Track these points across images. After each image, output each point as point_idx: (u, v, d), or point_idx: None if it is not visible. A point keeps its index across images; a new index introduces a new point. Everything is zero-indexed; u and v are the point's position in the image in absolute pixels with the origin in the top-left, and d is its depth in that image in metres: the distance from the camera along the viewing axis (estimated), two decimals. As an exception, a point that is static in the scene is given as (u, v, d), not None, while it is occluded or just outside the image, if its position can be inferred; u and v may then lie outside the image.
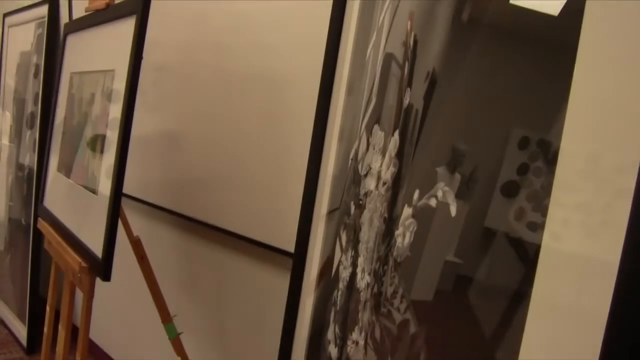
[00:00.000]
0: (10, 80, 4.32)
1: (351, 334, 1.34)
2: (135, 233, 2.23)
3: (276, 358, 1.94)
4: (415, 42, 1.20)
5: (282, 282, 2.04)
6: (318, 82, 1.64)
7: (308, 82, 1.82)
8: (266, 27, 1.98)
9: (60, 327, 2.38)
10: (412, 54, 1.20)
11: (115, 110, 1.97)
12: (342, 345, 1.38)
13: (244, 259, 2.21)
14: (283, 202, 1.95)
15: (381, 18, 1.37)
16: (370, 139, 1.34)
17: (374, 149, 1.31)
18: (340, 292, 1.42)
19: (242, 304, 2.25)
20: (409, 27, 1.24)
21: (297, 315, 1.66)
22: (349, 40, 1.53)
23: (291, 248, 1.91)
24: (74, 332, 2.62)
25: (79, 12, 3.25)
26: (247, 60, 2.06)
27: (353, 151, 1.42)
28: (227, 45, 2.14)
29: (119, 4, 2.07)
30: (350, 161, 1.44)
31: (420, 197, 1.10)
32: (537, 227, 0.77)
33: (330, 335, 1.45)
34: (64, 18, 3.57)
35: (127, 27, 1.97)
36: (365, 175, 1.34)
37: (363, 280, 1.30)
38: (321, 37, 1.69)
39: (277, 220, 1.98)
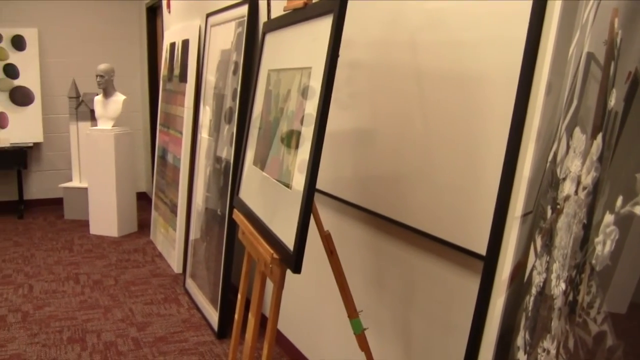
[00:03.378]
0: (210, 77, 4.64)
1: (542, 342, 1.33)
2: (325, 228, 2.34)
3: (462, 361, 1.95)
4: (620, 40, 1.18)
5: (469, 284, 2.05)
6: (514, 81, 1.64)
7: (504, 81, 1.82)
8: (462, 25, 2.00)
9: (250, 315, 2.54)
10: (618, 52, 1.18)
11: (310, 107, 2.08)
12: (531, 353, 1.38)
13: (432, 258, 2.25)
14: (474, 202, 1.97)
15: (585, 15, 1.35)
16: (570, 142, 1.33)
17: (574, 152, 1.30)
18: (532, 298, 1.42)
19: (429, 303, 2.28)
20: (613, 24, 1.21)
21: (486, 318, 1.67)
22: (550, 39, 1.51)
23: (481, 249, 1.91)
24: (262, 320, 2.80)
25: (277, 11, 3.44)
26: (442, 58, 2.09)
27: (551, 153, 1.41)
28: (421, 43, 2.19)
29: (316, 3, 2.18)
30: (547, 163, 1.43)
31: (623, 204, 1.08)
32: None
33: (519, 341, 1.45)
34: (262, 17, 3.78)
35: (324, 26, 2.07)
36: (564, 179, 1.33)
37: (557, 287, 1.29)
38: (519, 35, 1.68)
39: (468, 221, 2.00)
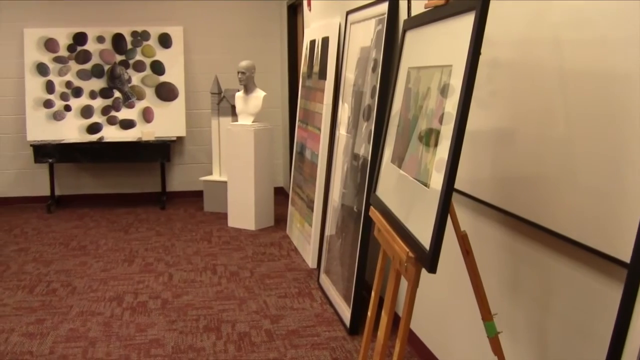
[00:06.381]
0: (349, 74, 4.73)
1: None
2: (461, 227, 2.35)
3: (601, 370, 1.91)
4: None
5: (610, 291, 2.01)
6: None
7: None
8: (609, 23, 1.95)
9: (383, 313, 2.59)
10: None
11: (450, 105, 2.10)
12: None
13: (572, 262, 2.21)
14: (619, 207, 1.92)
15: None
16: None
17: None
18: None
19: (567, 309, 2.25)
20: None
21: (629, 328, 1.63)
22: None
23: (624, 256, 1.87)
24: (395, 319, 2.85)
25: (417, 8, 3.48)
26: (587, 57, 2.05)
27: None
28: (566, 41, 2.15)
29: (458, 0, 2.19)
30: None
31: None
32: None
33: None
34: (402, 15, 3.82)
35: (465, 23, 2.08)
36: None
37: None
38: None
39: (611, 226, 1.95)
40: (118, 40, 8.22)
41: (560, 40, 2.18)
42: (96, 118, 8.17)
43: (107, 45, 8.21)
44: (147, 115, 8.24)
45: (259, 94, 6.92)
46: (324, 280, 4.89)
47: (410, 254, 2.20)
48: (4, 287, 5.10)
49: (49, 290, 5.03)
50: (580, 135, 2.09)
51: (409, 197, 2.41)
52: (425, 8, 2.57)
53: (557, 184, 2.22)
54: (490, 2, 1.99)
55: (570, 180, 2.15)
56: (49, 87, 8.08)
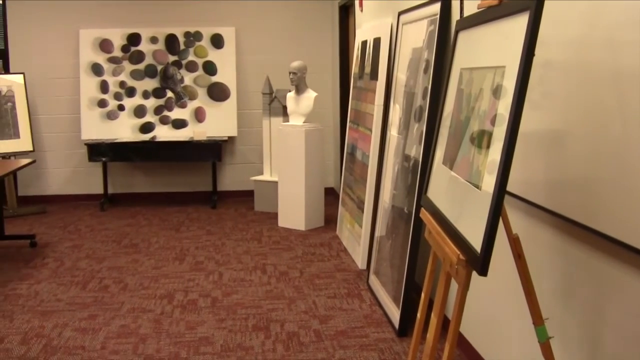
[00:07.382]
0: (401, 75, 4.73)
1: None
2: (513, 230, 2.34)
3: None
4: None
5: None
6: None
7: None
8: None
9: (432, 315, 2.60)
10: None
11: (502, 107, 2.10)
12: None
13: (628, 268, 2.18)
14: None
15: None
16: None
17: None
18: None
19: (622, 316, 2.22)
20: None
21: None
22: None
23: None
24: (444, 322, 2.84)
25: (470, 9, 3.46)
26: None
27: None
28: (621, 41, 2.11)
29: (512, 0, 2.18)
30: None
31: None
32: None
33: None
34: (455, 15, 3.81)
35: (519, 24, 2.08)
36: None
37: None
38: None
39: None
40: (171, 41, 8.36)
41: (615, 40, 2.16)
42: (149, 118, 8.33)
43: (160, 45, 8.36)
44: (199, 115, 8.36)
45: (310, 95, 6.96)
46: (374, 281, 4.90)
47: (461, 257, 2.20)
48: (58, 283, 5.25)
49: (102, 286, 5.15)
50: (636, 137, 2.06)
51: (460, 199, 2.41)
52: (478, 8, 2.57)
53: (612, 186, 2.19)
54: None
55: (625, 183, 2.12)
56: (103, 87, 8.26)
